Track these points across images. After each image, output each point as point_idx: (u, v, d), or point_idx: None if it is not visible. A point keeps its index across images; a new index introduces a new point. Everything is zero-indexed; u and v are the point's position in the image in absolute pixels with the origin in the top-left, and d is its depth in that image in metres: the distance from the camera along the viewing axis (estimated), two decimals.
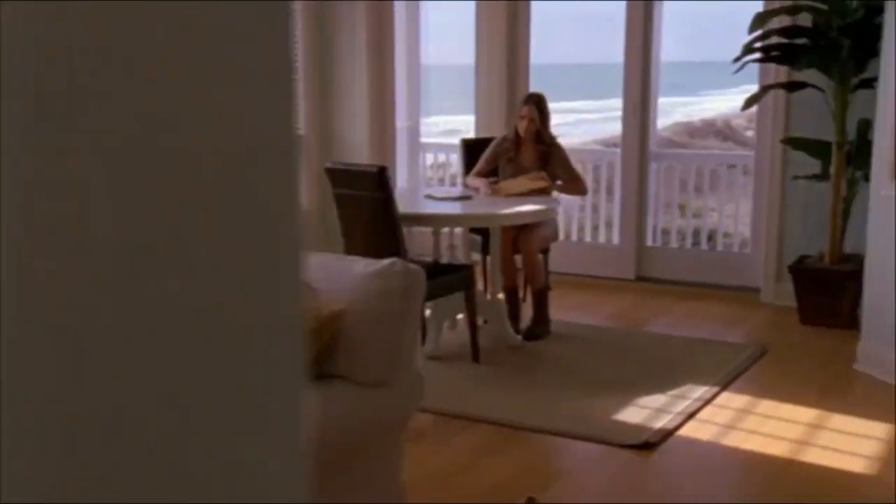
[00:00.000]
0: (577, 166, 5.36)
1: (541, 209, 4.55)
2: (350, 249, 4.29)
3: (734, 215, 6.41)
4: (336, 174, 4.21)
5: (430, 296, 4.34)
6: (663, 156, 6.55)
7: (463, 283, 4.39)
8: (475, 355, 4.46)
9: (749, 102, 5.00)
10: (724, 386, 4.13)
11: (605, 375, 4.31)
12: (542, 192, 4.81)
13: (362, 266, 2.42)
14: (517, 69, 6.37)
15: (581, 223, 6.79)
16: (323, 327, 2.22)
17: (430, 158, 7.84)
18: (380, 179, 3.99)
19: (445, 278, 4.35)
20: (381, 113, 6.80)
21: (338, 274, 2.43)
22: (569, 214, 6.56)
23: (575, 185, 5.01)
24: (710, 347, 4.73)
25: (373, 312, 2.34)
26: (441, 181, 7.63)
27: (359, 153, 6.72)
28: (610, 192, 6.59)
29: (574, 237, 6.69)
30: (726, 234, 6.60)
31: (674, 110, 21.49)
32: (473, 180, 5.03)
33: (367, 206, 4.09)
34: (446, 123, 11.44)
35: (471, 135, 6.52)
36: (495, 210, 4.50)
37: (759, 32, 4.91)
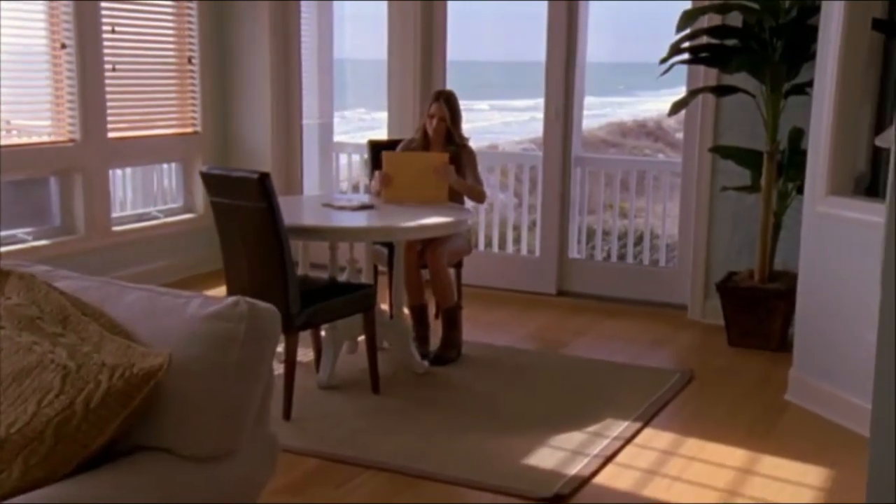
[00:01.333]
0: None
1: (450, 222, 4.09)
2: (230, 266, 3.78)
3: (661, 217, 6.06)
4: (212, 180, 3.68)
5: (326, 318, 3.88)
6: (588, 160, 6.17)
7: (362, 304, 3.92)
8: (374, 385, 3.98)
9: (676, 107, 4.63)
10: (647, 421, 3.74)
11: (518, 408, 3.88)
12: (440, 187, 4.33)
13: (197, 305, 1.92)
14: (433, 66, 5.91)
15: (502, 231, 6.37)
16: (133, 389, 1.72)
17: (349, 159, 7.34)
18: (261, 187, 3.48)
19: (342, 299, 3.87)
20: (287, 109, 6.29)
21: (164, 314, 1.93)
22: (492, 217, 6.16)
23: (476, 191, 4.56)
24: (634, 373, 4.34)
25: (205, 365, 1.84)
26: (356, 187, 7.14)
27: (261, 153, 6.20)
28: (534, 197, 6.19)
29: (495, 247, 6.26)
30: (654, 236, 6.25)
31: (618, 110, 21.40)
32: (374, 183, 4.57)
33: (248, 218, 3.58)
34: (373, 119, 10.93)
35: (385, 133, 6.06)
36: (397, 222, 4.03)
37: (686, 31, 4.54)
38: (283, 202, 4.57)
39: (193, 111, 6.06)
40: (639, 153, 17.57)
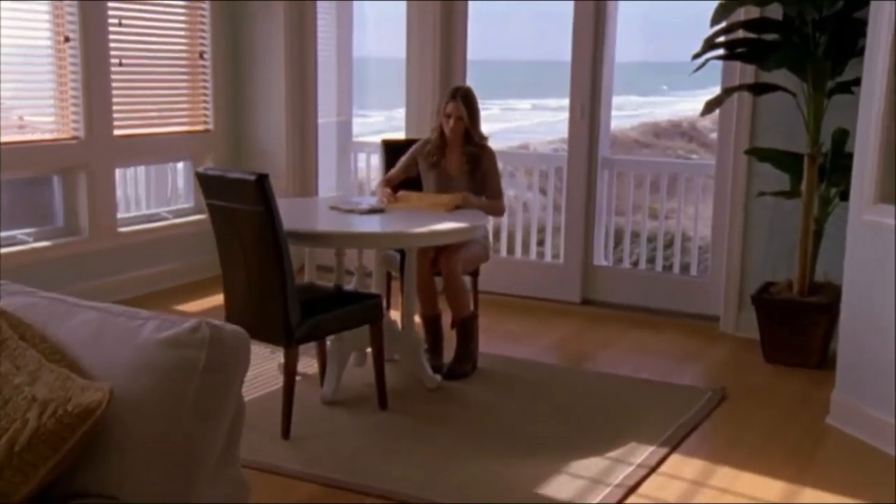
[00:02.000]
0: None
1: (464, 227, 3.82)
2: (227, 273, 3.54)
3: (693, 223, 5.73)
4: (208, 181, 3.44)
5: (329, 330, 3.64)
6: (616, 162, 5.86)
7: (368, 316, 3.66)
8: (381, 401, 3.72)
9: (709, 106, 4.32)
10: (674, 446, 3.44)
11: (534, 429, 3.60)
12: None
13: (152, 328, 1.67)
14: (452, 64, 5.65)
15: (526, 235, 6.08)
16: (65, 429, 1.47)
17: (367, 159, 7.08)
18: (258, 190, 3.23)
19: (347, 309, 3.61)
20: (302, 107, 6.05)
21: (115, 339, 1.69)
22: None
23: (494, 205, 4.28)
24: (660, 392, 4.04)
25: (158, 400, 1.60)
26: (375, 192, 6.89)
27: (275, 152, 5.98)
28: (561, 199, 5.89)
29: (517, 253, 5.97)
30: (686, 238, 5.93)
31: (655, 111, 21.01)
32: (379, 188, 4.31)
33: (246, 222, 3.34)
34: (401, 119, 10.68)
35: (403, 133, 5.80)
36: (408, 228, 3.76)
37: (722, 25, 4.23)
38: (289, 204, 4.34)
39: (205, 108, 5.85)
40: (672, 154, 17.21)
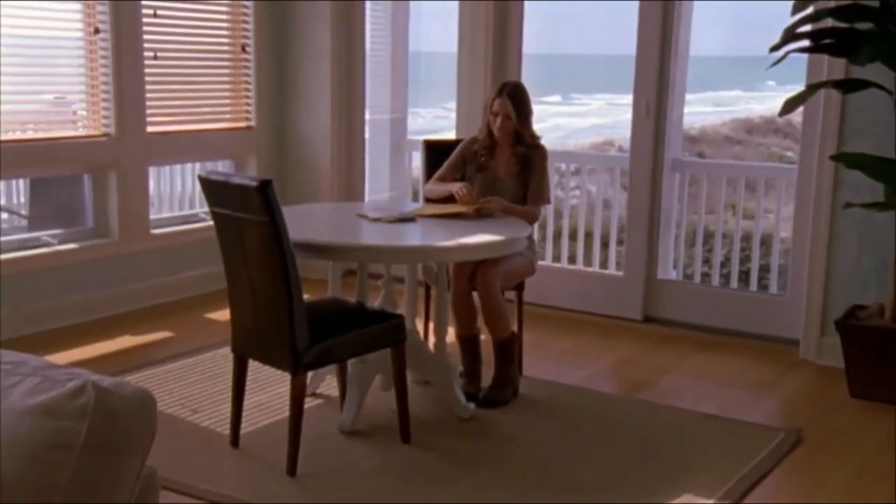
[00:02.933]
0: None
1: (499, 241, 3.39)
2: (233, 289, 3.20)
3: (773, 234, 5.16)
4: (210, 186, 3.11)
5: (343, 355, 3.28)
6: (689, 165, 5.33)
7: (389, 338, 3.27)
8: (404, 434, 3.34)
9: (789, 105, 3.78)
10: (737, 500, 2.95)
11: (575, 471, 3.16)
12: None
13: (23, 390, 1.31)
14: (507, 59, 5.22)
15: (588, 240, 5.60)
16: None
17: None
18: (261, 197, 2.88)
19: (364, 332, 3.22)
20: (349, 104, 5.71)
21: None
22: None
23: (525, 210, 3.82)
24: (725, 430, 3.55)
25: (23, 484, 1.24)
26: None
27: (320, 150, 5.66)
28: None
29: (579, 262, 5.48)
30: (766, 233, 5.36)
31: (756, 106, 20.11)
32: (445, 187, 3.89)
33: (249, 233, 2.99)
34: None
35: (454, 131, 5.40)
36: (435, 241, 3.37)
37: (807, 11, 3.69)
38: (312, 211, 4.01)
39: (247, 104, 5.55)
40: (765, 151, 16.29)
